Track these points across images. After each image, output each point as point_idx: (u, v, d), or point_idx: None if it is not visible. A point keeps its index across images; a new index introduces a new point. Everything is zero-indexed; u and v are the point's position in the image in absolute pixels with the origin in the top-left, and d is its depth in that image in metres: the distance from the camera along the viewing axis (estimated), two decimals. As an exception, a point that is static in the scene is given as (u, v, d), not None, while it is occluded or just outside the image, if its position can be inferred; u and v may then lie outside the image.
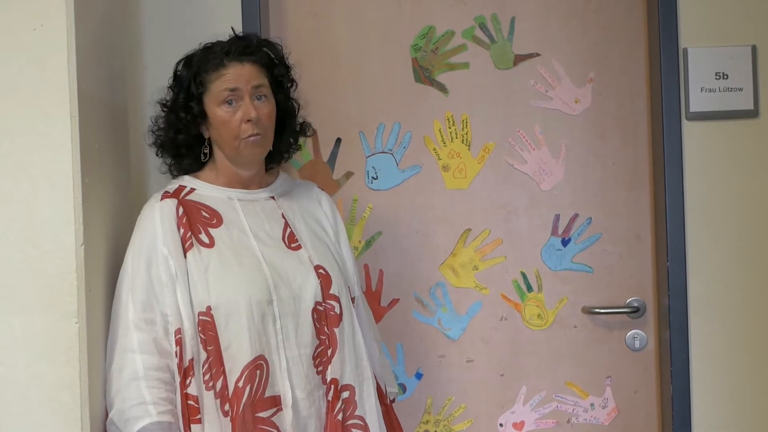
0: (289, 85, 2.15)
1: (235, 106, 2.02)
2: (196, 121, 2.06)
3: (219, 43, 2.08)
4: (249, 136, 2.01)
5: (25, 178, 1.88)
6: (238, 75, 2.02)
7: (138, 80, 2.49)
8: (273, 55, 2.11)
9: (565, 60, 2.64)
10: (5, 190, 1.88)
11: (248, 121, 2.00)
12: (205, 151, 2.09)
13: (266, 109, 2.04)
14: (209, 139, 2.08)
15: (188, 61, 2.09)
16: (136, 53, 2.50)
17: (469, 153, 2.65)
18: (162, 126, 2.11)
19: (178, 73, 2.09)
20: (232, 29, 2.14)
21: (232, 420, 1.91)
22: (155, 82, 2.38)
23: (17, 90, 1.87)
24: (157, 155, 2.15)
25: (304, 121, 2.21)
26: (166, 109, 2.10)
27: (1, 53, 1.87)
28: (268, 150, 2.08)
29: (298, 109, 2.19)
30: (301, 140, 2.25)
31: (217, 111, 2.03)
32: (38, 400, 1.87)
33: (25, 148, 1.88)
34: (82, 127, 1.91)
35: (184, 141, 2.09)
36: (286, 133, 2.16)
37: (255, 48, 2.07)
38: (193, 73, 2.05)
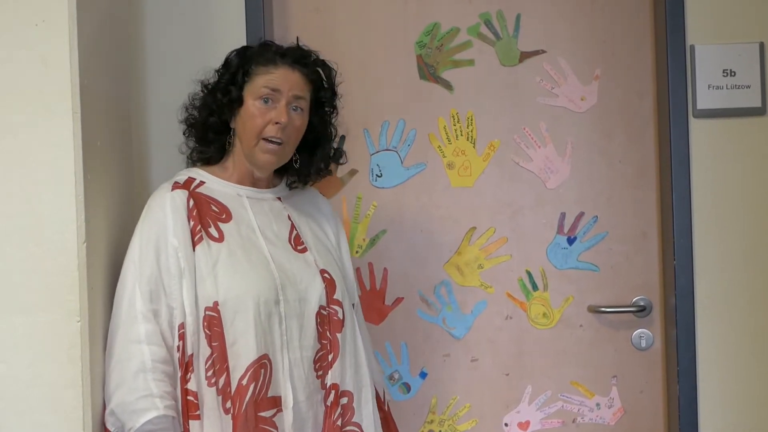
0: (329, 110, 2.13)
1: (269, 105, 2.01)
2: (232, 105, 2.04)
3: (278, 44, 2.08)
4: (270, 140, 1.99)
5: (27, 175, 1.87)
6: (285, 78, 2.02)
7: (141, 76, 2.48)
8: (324, 78, 2.09)
9: (571, 57, 2.62)
10: (6, 187, 1.87)
11: (276, 123, 1.99)
12: (230, 140, 2.07)
13: (298, 122, 2.03)
14: (233, 130, 2.06)
15: (243, 50, 2.09)
16: (138, 49, 2.49)
17: (474, 151, 2.63)
18: (197, 105, 2.10)
19: (230, 58, 2.08)
20: (297, 39, 2.12)
21: (233, 418, 1.90)
22: (158, 77, 2.38)
23: (19, 86, 1.86)
24: (183, 134, 2.12)
25: (339, 148, 2.19)
26: (205, 91, 2.09)
27: (2, 49, 1.86)
28: (282, 162, 2.06)
29: (335, 135, 2.17)
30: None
31: (250, 104, 2.02)
32: (40, 399, 1.86)
33: (26, 145, 1.87)
34: (84, 123, 1.89)
35: (214, 125, 2.07)
36: (317, 155, 2.13)
37: (310, 62, 2.07)
38: (244, 61, 2.05)
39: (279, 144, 2.00)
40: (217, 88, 2.06)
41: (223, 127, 2.07)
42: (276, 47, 2.07)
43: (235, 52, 2.09)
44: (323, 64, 2.11)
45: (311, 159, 2.12)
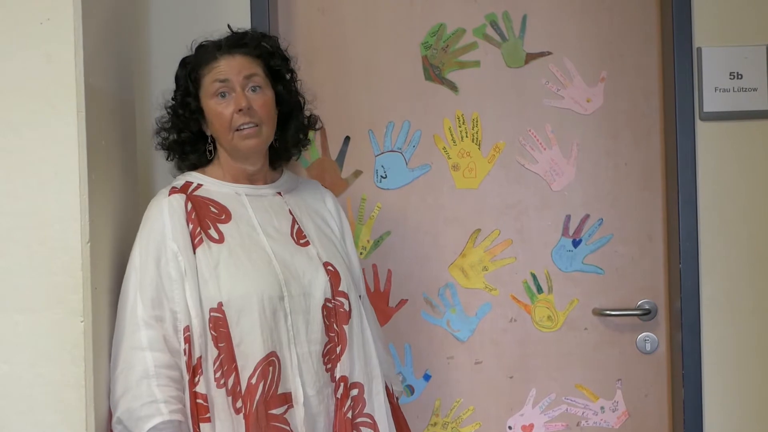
0: (289, 76, 2.13)
1: (227, 98, 2.02)
2: (195, 117, 2.06)
3: (212, 41, 2.09)
4: (242, 127, 2.00)
5: (31, 174, 1.86)
6: (229, 66, 2.03)
7: (146, 75, 2.48)
8: (269, 47, 2.10)
9: (577, 59, 2.61)
10: (11, 185, 1.86)
11: (240, 110, 1.99)
12: (210, 148, 2.08)
13: (261, 100, 2.03)
14: (211, 136, 2.08)
15: (183, 62, 2.10)
16: (144, 48, 2.48)
17: (479, 152, 2.62)
18: (166, 127, 2.12)
19: (176, 75, 2.11)
20: (228, 26, 2.13)
21: (245, 417, 1.89)
22: (163, 77, 2.36)
23: (24, 84, 1.86)
24: (167, 159, 2.15)
25: (311, 114, 2.19)
26: (168, 113, 2.12)
27: (7, 46, 1.86)
28: (268, 142, 2.07)
29: (305, 103, 2.17)
30: (311, 136, 2.23)
31: (210, 104, 2.03)
32: (43, 399, 1.85)
33: (31, 144, 1.86)
34: (89, 122, 1.89)
35: (188, 139, 2.09)
36: (292, 127, 2.14)
37: (248, 40, 2.08)
38: (188, 71, 2.07)
39: (254, 126, 2.01)
40: (177, 105, 2.08)
41: (196, 138, 2.09)
42: (210, 44, 2.08)
43: (178, 68, 2.11)
44: (263, 36, 2.11)
45: (286, 132, 2.13)
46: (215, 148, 2.09)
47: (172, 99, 2.10)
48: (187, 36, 2.36)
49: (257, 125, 2.01)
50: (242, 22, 2.45)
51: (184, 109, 2.06)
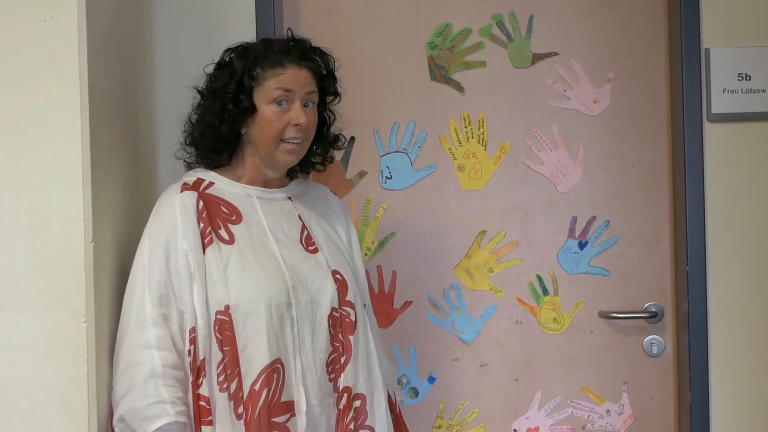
0: (333, 97, 2.11)
1: (284, 107, 1.97)
2: (244, 114, 1.98)
3: (278, 41, 2.04)
4: (290, 140, 1.97)
5: (34, 173, 1.85)
6: (295, 78, 1.98)
7: (149, 74, 2.46)
8: (323, 66, 2.06)
9: (583, 59, 2.60)
10: (14, 184, 1.85)
11: (296, 125, 1.96)
12: (241, 145, 2.02)
13: (312, 117, 2.01)
14: (244, 136, 2.01)
15: (245, 51, 2.02)
16: (147, 47, 2.47)
17: (485, 153, 2.60)
18: (203, 115, 2.02)
19: (227, 60, 2.02)
20: (289, 30, 2.09)
21: (246, 423, 1.87)
22: (166, 75, 2.36)
23: (27, 83, 1.84)
24: (190, 144, 2.05)
25: (339, 133, 2.16)
26: (210, 98, 2.02)
27: (11, 45, 1.84)
28: (300, 158, 2.04)
29: (334, 119, 2.14)
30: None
31: (264, 108, 1.97)
32: (45, 399, 1.84)
33: (34, 142, 1.84)
34: (93, 121, 1.87)
35: (226, 134, 2.00)
36: (321, 143, 2.11)
37: (315, 55, 2.04)
38: (249, 65, 1.99)
39: (299, 143, 1.98)
40: (225, 97, 1.99)
41: (233, 135, 2.02)
42: (278, 46, 2.01)
43: (233, 54, 2.02)
44: (322, 54, 2.07)
45: (314, 147, 2.10)
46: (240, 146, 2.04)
47: (221, 87, 1.99)
48: (191, 35, 2.36)
49: (301, 142, 1.99)
50: (247, 21, 2.45)
51: (236, 104, 1.98)
